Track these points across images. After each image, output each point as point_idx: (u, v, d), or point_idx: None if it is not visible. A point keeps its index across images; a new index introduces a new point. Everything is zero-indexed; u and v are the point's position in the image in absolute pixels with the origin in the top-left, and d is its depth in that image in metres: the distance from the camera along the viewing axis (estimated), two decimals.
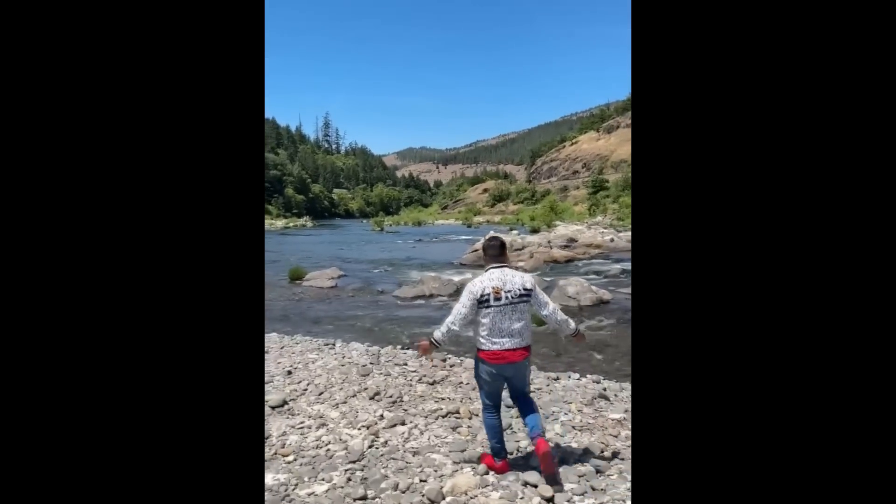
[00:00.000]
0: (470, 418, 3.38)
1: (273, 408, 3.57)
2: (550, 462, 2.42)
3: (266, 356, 5.14)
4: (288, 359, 5.02)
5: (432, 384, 4.15)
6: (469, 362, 4.98)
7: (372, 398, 3.78)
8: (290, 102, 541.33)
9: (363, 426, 3.24)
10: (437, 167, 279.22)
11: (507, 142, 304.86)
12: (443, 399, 3.77)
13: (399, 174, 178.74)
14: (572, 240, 18.34)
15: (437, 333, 2.53)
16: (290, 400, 3.76)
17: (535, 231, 33.59)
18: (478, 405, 3.59)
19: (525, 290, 2.47)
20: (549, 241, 18.52)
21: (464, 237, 32.16)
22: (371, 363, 4.81)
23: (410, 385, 4.13)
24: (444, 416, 3.40)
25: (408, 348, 5.77)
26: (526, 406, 2.58)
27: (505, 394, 2.71)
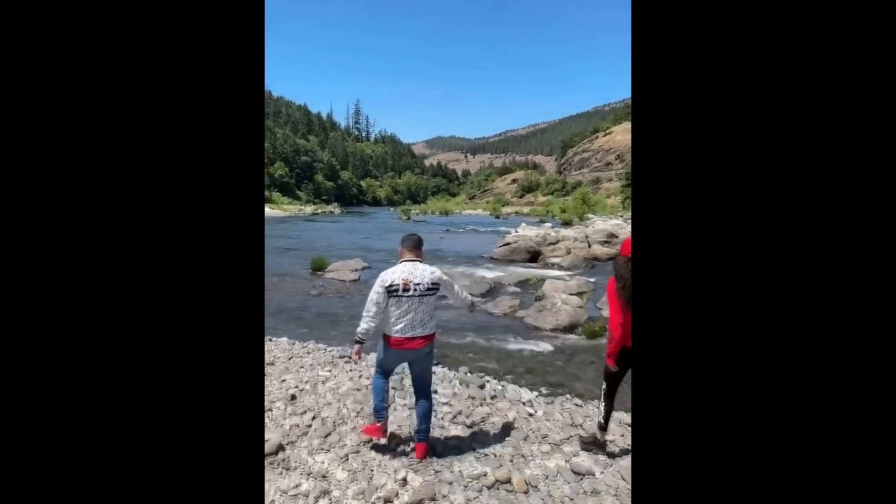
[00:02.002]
0: (527, 492, 2.44)
1: (266, 456, 2.72)
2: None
3: (270, 370, 4.33)
4: (294, 375, 4.18)
5: (470, 427, 3.23)
6: (512, 390, 4.05)
7: (393, 448, 2.88)
8: (322, 90, 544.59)
9: (379, 498, 2.35)
10: (466, 156, 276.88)
11: (537, 132, 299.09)
12: (486, 455, 2.83)
13: (427, 163, 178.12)
14: (612, 235, 17.04)
15: (361, 329, 2.62)
16: (289, 443, 2.90)
17: (567, 224, 32.37)
18: (533, 468, 2.66)
19: (433, 283, 2.62)
20: (586, 237, 17.28)
21: (493, 229, 31.12)
22: (393, 388, 3.92)
23: (442, 426, 3.22)
24: (490, 487, 2.47)
25: (438, 363, 4.87)
26: (423, 400, 2.77)
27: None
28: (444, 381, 4.14)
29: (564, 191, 74.77)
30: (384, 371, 2.79)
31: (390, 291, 2.55)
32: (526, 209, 64.26)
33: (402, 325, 2.57)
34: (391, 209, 75.56)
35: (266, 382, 3.98)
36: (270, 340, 5.42)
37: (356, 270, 11.39)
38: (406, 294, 2.55)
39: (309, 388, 3.86)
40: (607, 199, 55.51)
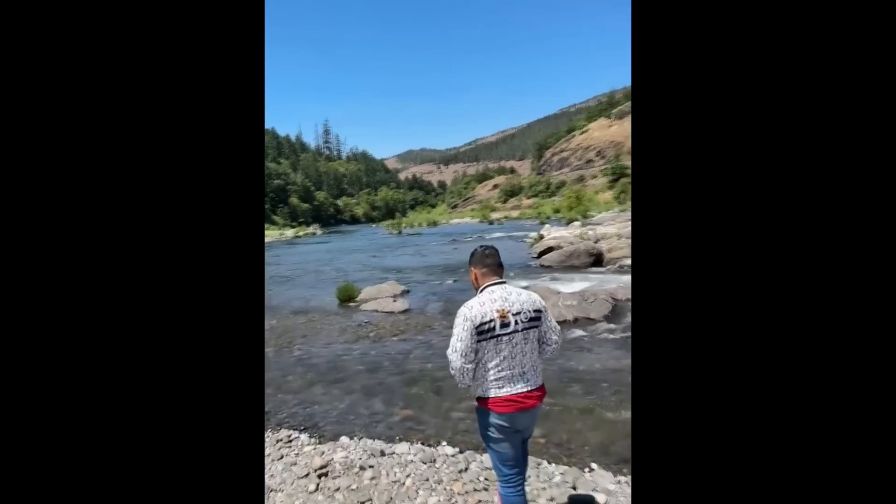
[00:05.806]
0: None
1: None
2: None
3: None
4: None
5: None
6: None
7: None
8: (288, 112, 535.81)
9: None
10: (439, 167, 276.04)
11: (506, 137, 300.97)
12: None
13: (402, 177, 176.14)
14: None
15: (475, 393, 1.88)
16: None
17: (573, 222, 30.59)
18: None
19: (536, 311, 1.83)
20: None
21: (497, 234, 28.97)
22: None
23: None
24: None
25: None
26: (522, 478, 2.04)
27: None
28: None
29: (549, 191, 73.66)
30: (509, 465, 1.82)
31: (483, 332, 1.71)
32: (515, 213, 62.53)
33: (504, 376, 1.74)
34: (372, 226, 72.73)
35: None
36: (373, 458, 2.90)
37: (397, 297, 8.91)
38: (506, 331, 1.73)
39: None
40: (598, 195, 54.28)
